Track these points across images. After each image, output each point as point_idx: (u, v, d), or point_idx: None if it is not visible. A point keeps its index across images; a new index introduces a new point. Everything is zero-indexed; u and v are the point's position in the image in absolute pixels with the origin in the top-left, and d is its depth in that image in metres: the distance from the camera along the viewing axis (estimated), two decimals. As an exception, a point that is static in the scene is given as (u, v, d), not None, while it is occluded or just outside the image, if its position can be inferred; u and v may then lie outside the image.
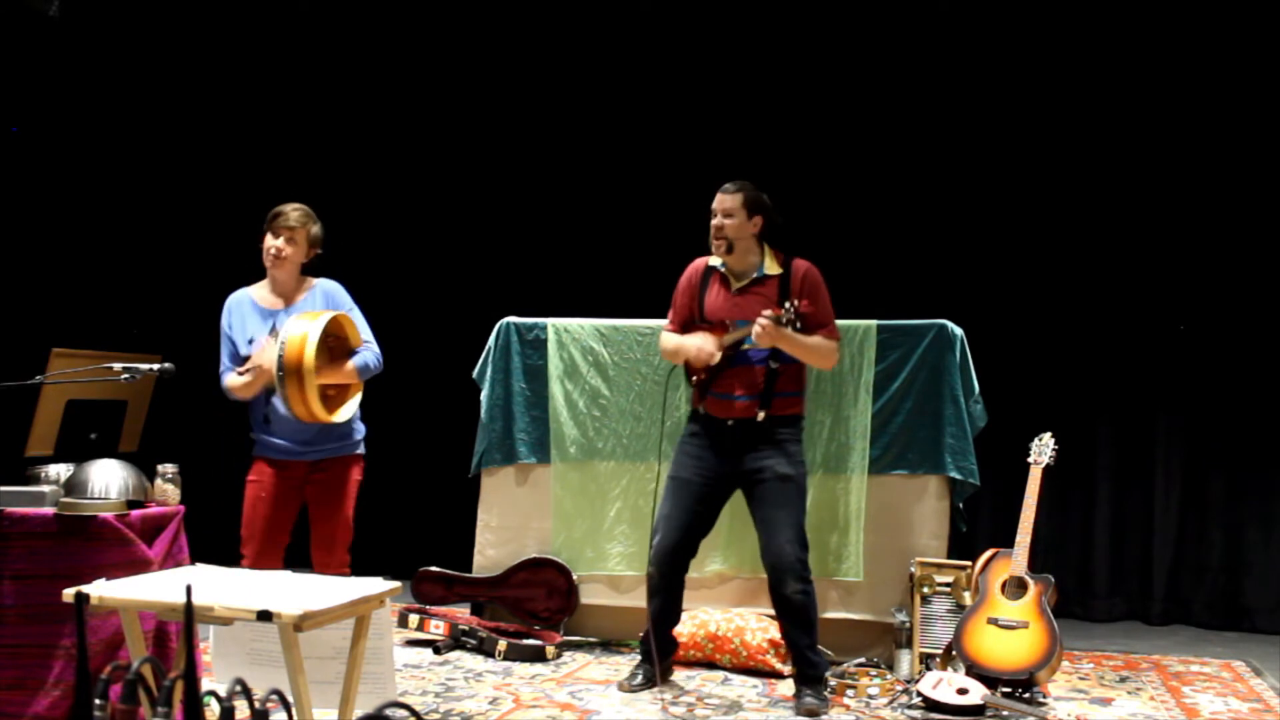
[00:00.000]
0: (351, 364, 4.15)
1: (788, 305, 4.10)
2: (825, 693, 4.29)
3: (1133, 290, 6.22)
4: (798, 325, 4.10)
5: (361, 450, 4.33)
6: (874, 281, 6.26)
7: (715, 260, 4.42)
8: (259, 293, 4.29)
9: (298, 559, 4.24)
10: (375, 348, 4.23)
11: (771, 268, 4.34)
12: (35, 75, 6.61)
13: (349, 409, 4.19)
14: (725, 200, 4.32)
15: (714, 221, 4.32)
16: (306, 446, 4.19)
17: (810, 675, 4.28)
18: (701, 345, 4.26)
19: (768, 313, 4.09)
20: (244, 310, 4.25)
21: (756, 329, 4.08)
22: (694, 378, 4.39)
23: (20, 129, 6.76)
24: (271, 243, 4.20)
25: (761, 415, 4.25)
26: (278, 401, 4.05)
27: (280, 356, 3.88)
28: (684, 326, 4.44)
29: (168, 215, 7.15)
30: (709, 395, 4.34)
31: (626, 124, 6.70)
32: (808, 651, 4.28)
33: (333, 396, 4.11)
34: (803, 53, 6.48)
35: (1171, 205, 6.17)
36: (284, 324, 4.01)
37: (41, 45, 6.50)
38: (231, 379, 4.17)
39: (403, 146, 7.09)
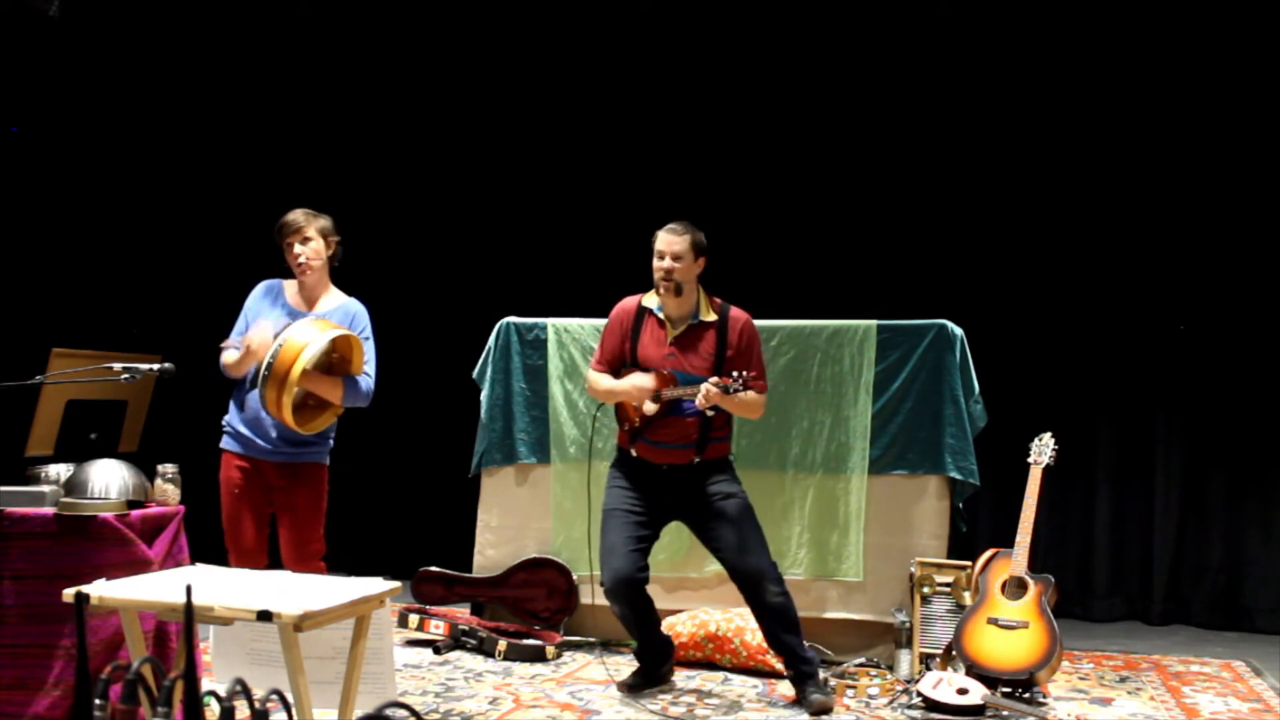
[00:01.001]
0: (342, 383, 4.09)
1: (736, 375, 4.06)
2: (826, 686, 4.29)
3: (1133, 290, 6.22)
4: (744, 395, 4.10)
5: (326, 461, 4.28)
6: (874, 281, 6.27)
7: (650, 302, 4.36)
8: (290, 288, 4.28)
9: (276, 563, 4.23)
10: (371, 382, 4.17)
11: (708, 314, 4.30)
12: (35, 75, 6.61)
13: (319, 426, 4.13)
14: (674, 242, 4.22)
15: (662, 264, 4.22)
16: (270, 442, 4.14)
17: (807, 672, 4.28)
18: (641, 389, 4.21)
19: (715, 380, 4.07)
20: (269, 300, 4.23)
21: (701, 398, 4.06)
22: (625, 424, 4.36)
23: (20, 129, 6.77)
24: (291, 254, 4.18)
25: (697, 459, 4.28)
26: (257, 399, 4.05)
27: (274, 354, 3.87)
28: (613, 368, 4.38)
29: (168, 215, 7.15)
30: (641, 442, 4.32)
31: (626, 124, 6.70)
32: (798, 650, 4.29)
33: (312, 408, 4.08)
34: (803, 53, 6.48)
35: (1171, 205, 6.17)
36: (292, 325, 4.00)
37: (41, 45, 6.50)
38: (227, 354, 4.16)
39: (403, 147, 7.09)
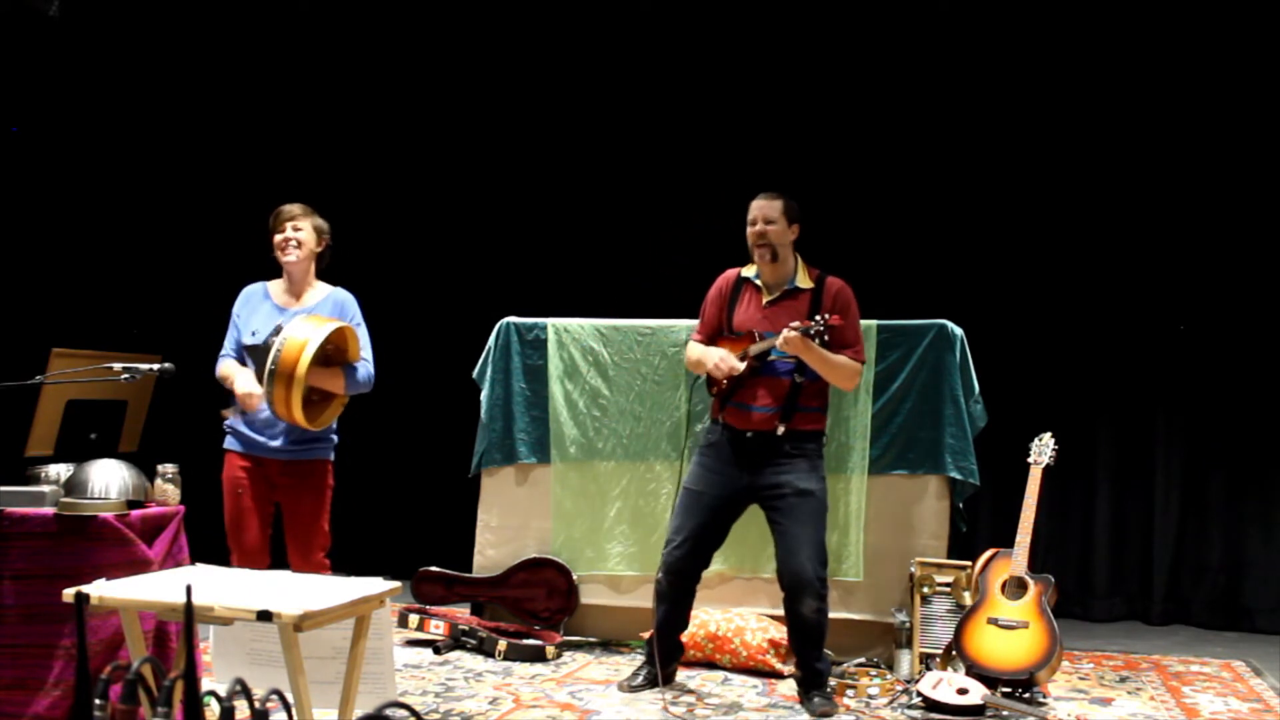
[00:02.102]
0: (342, 373, 4.14)
1: (817, 318, 4.08)
2: (831, 694, 4.30)
3: (1133, 290, 6.22)
4: (825, 339, 4.07)
5: (331, 457, 4.30)
6: (874, 281, 6.23)
7: (749, 271, 4.41)
8: (274, 288, 4.30)
9: (279, 563, 4.24)
10: (370, 368, 4.22)
11: (804, 281, 4.34)
12: (35, 75, 6.61)
13: (327, 418, 4.17)
14: (766, 207, 4.29)
15: (754, 229, 4.28)
16: (277, 442, 4.17)
17: (816, 681, 4.29)
18: (722, 359, 4.22)
19: (795, 323, 4.06)
20: (255, 302, 4.27)
21: (780, 339, 4.06)
22: (714, 389, 4.37)
23: (20, 129, 6.77)
24: (280, 236, 4.21)
25: (781, 429, 4.22)
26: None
27: (276, 356, 3.88)
28: (711, 338, 4.42)
29: (167, 215, 7.16)
30: (729, 405, 4.31)
31: (626, 125, 6.70)
32: (815, 663, 4.29)
33: (316, 402, 4.10)
34: (803, 53, 6.48)
35: (1171, 205, 6.17)
36: (288, 324, 4.01)
37: (41, 45, 6.50)
38: (225, 368, 4.19)
39: (403, 147, 7.09)
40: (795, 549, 4.18)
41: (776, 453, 4.24)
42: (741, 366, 4.20)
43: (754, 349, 4.22)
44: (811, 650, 4.27)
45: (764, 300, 4.34)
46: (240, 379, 4.11)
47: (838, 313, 4.20)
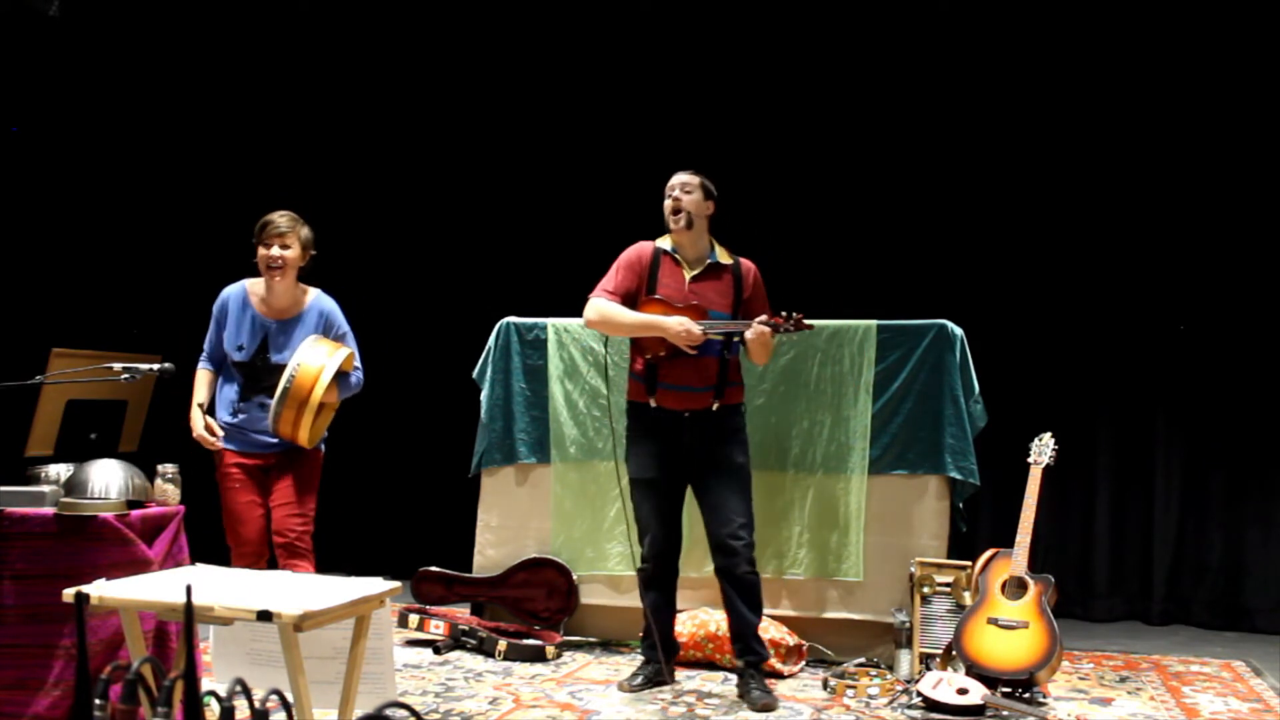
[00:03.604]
0: (337, 385, 4.25)
1: (786, 314, 4.21)
2: (767, 684, 4.36)
3: (1133, 290, 6.22)
4: (793, 336, 4.22)
5: (322, 448, 4.42)
6: (874, 281, 6.27)
7: (664, 243, 4.46)
8: (257, 298, 4.32)
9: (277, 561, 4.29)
10: (360, 374, 4.37)
11: (724, 257, 4.45)
12: (35, 75, 6.61)
13: (321, 430, 4.31)
14: (684, 176, 4.42)
15: (673, 196, 4.39)
16: (273, 440, 4.27)
17: (757, 662, 4.39)
18: (683, 325, 4.22)
19: (765, 319, 4.21)
20: (237, 310, 4.30)
21: (753, 331, 4.19)
22: (647, 356, 4.35)
23: (20, 129, 6.76)
24: (266, 252, 4.23)
25: (716, 405, 4.33)
26: (255, 410, 4.23)
27: (290, 379, 4.02)
28: (625, 301, 4.41)
29: (167, 215, 7.15)
30: (661, 388, 4.35)
31: (626, 124, 6.70)
32: (755, 636, 4.39)
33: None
34: (803, 54, 6.48)
35: (1171, 205, 6.17)
36: (300, 348, 4.12)
37: (41, 45, 6.50)
38: (197, 381, 4.30)
39: (402, 147, 7.09)
40: (729, 518, 4.32)
41: (711, 428, 4.35)
42: (702, 338, 4.23)
43: (719, 327, 4.28)
44: (753, 619, 4.37)
45: (686, 274, 4.40)
46: (196, 418, 4.21)
47: (757, 293, 4.41)
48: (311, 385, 4.00)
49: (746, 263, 4.49)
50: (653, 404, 4.37)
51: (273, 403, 4.08)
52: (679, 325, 4.23)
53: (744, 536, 4.32)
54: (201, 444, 4.23)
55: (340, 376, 4.22)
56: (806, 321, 4.23)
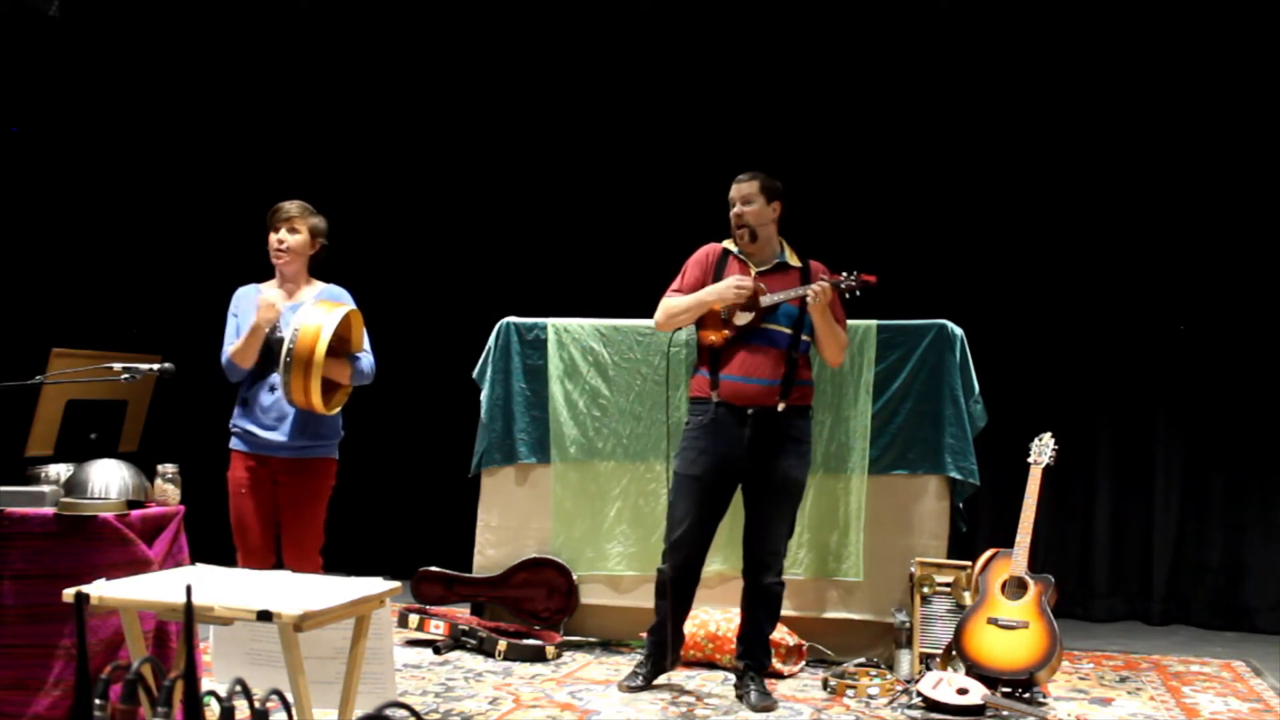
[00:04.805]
0: (349, 364, 4.17)
1: (847, 274, 4.13)
2: (767, 688, 4.35)
3: (1133, 290, 6.22)
4: (858, 293, 4.12)
5: (336, 455, 4.32)
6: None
7: (733, 245, 4.41)
8: (267, 289, 4.30)
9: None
10: (371, 358, 4.27)
11: (792, 259, 4.39)
12: (35, 75, 6.61)
13: (339, 403, 4.21)
14: (743, 187, 4.32)
15: (734, 211, 4.31)
16: (283, 439, 4.17)
17: (762, 665, 4.38)
18: (739, 286, 4.14)
19: (825, 278, 4.13)
20: (251, 301, 4.27)
21: (814, 291, 4.08)
22: (712, 337, 4.27)
23: (20, 129, 6.77)
24: (274, 237, 4.22)
25: (781, 405, 4.23)
26: (265, 394, 4.12)
27: (292, 342, 3.90)
28: None
29: (167, 215, 7.16)
30: (724, 379, 4.25)
31: (626, 124, 6.70)
32: (764, 642, 4.40)
33: (323, 392, 4.11)
34: (803, 54, 6.48)
35: (1171, 205, 6.17)
36: (297, 312, 4.03)
37: (41, 45, 6.50)
38: (231, 346, 4.18)
39: (403, 147, 7.09)
40: (770, 532, 4.30)
41: (776, 433, 4.23)
42: (748, 318, 4.16)
43: (767, 300, 4.17)
44: (767, 627, 4.38)
45: (754, 271, 4.34)
46: (257, 319, 4.08)
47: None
48: (313, 344, 3.87)
49: (816, 264, 4.39)
50: (715, 398, 4.26)
51: (280, 375, 4.00)
52: (729, 282, 4.19)
53: (780, 551, 4.34)
54: (267, 314, 4.07)
55: (351, 359, 4.15)
56: (866, 276, 4.11)
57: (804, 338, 4.27)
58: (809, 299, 4.10)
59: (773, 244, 4.37)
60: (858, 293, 4.12)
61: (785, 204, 4.38)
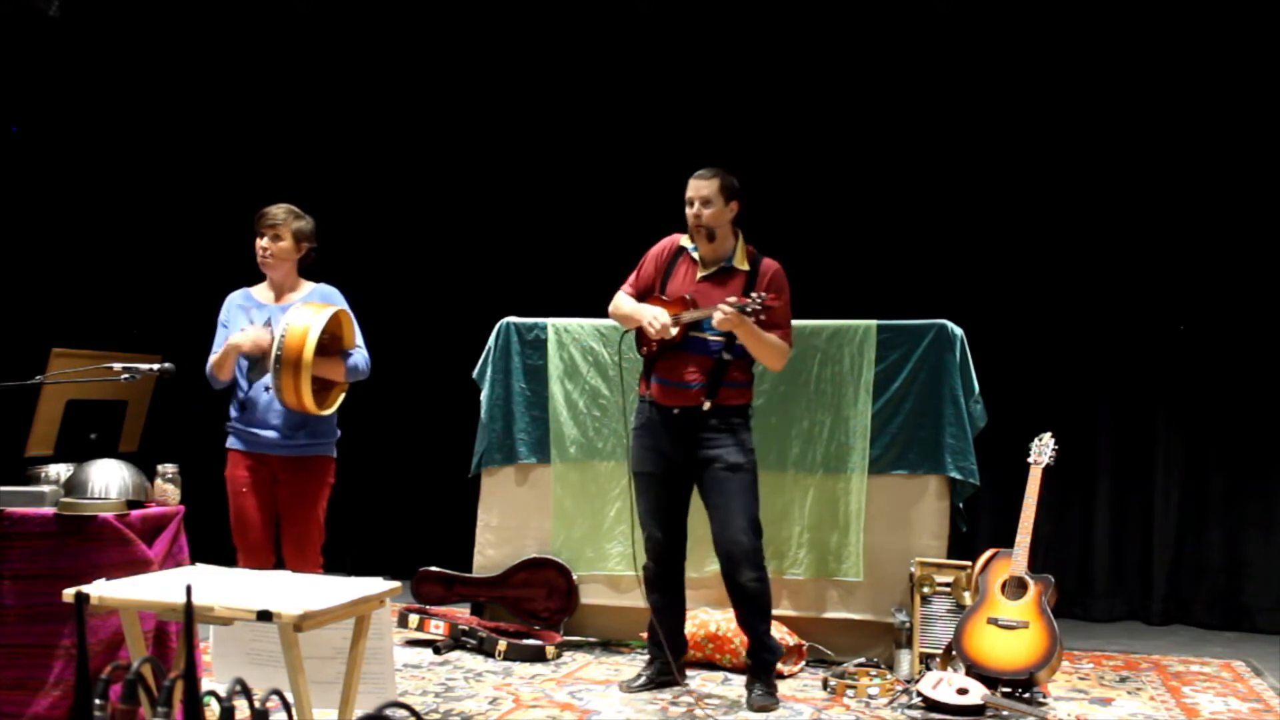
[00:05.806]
0: (341, 361, 4.17)
1: (754, 295, 4.12)
2: (774, 689, 4.34)
3: (1133, 290, 6.22)
4: (761, 317, 4.11)
5: (334, 454, 4.33)
6: (874, 281, 6.26)
7: (688, 242, 4.44)
8: (257, 291, 4.32)
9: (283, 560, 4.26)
10: (365, 353, 4.26)
11: (741, 262, 4.36)
12: (35, 75, 6.61)
13: (334, 404, 4.20)
14: (701, 187, 4.29)
15: (691, 210, 4.30)
16: (280, 438, 4.18)
17: (766, 662, 4.35)
18: (656, 316, 4.22)
19: (732, 299, 4.11)
20: (239, 307, 4.28)
21: (718, 315, 4.09)
22: (643, 349, 4.38)
23: (20, 129, 6.76)
24: (260, 243, 4.23)
25: (707, 405, 4.26)
26: (259, 392, 4.13)
27: (280, 344, 3.90)
28: (641, 295, 4.42)
29: (167, 215, 7.15)
30: (655, 381, 4.34)
31: (626, 124, 6.70)
32: (764, 638, 4.35)
33: (318, 391, 4.12)
34: (802, 54, 6.48)
35: (1171, 205, 6.17)
36: (286, 313, 4.03)
37: (41, 45, 6.50)
38: (213, 356, 4.20)
39: (403, 147, 7.09)
40: (729, 521, 4.25)
41: (703, 428, 4.27)
42: (675, 332, 4.21)
43: (687, 316, 4.23)
44: (759, 624, 4.34)
45: (699, 274, 4.36)
46: (235, 338, 4.12)
47: (771, 293, 4.22)
48: (301, 345, 3.88)
49: (768, 263, 4.35)
50: (648, 397, 4.38)
51: (271, 377, 4.01)
52: (650, 315, 4.23)
53: (744, 540, 4.24)
54: (258, 345, 4.08)
55: (344, 355, 4.15)
56: (770, 299, 4.11)
57: (738, 343, 4.26)
58: (714, 319, 4.14)
59: (727, 243, 4.36)
60: (762, 316, 4.11)
61: (742, 202, 4.36)
